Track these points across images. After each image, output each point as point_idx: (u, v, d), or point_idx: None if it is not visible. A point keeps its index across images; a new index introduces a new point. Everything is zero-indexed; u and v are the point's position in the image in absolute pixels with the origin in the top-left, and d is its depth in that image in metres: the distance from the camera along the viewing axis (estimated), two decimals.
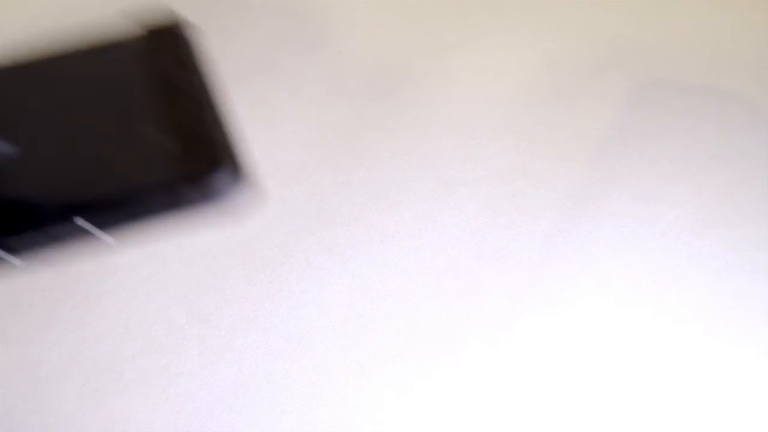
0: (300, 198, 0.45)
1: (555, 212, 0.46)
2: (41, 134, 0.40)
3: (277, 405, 0.38)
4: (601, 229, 0.46)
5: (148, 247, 0.41)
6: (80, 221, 0.38)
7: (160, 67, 0.41)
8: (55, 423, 0.37)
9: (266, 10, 0.53)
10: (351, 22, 0.53)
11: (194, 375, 0.38)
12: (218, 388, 0.38)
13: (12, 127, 0.40)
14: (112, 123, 0.40)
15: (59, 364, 0.39)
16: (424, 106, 0.50)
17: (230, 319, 0.40)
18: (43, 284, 0.40)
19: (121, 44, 0.41)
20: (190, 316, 0.40)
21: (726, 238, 0.46)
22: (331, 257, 0.42)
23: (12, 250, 0.39)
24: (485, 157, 0.47)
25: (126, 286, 0.41)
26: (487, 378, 0.41)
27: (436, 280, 0.43)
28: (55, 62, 0.41)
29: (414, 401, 0.39)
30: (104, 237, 0.40)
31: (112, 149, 0.39)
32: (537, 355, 0.42)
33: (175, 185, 0.39)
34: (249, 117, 0.49)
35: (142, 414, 0.38)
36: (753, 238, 0.45)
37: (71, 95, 0.40)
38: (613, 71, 0.51)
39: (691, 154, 0.48)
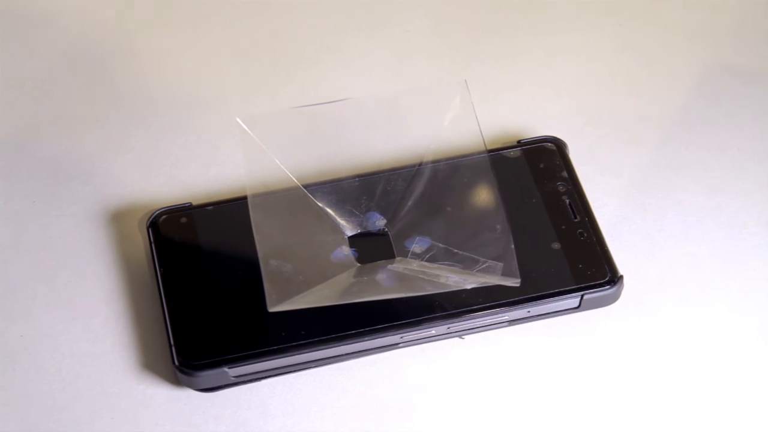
0: None
1: (620, 199, 0.46)
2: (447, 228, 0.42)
3: None
4: (666, 218, 0.45)
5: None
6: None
7: (541, 178, 0.44)
8: None
9: None
10: (417, 1, 0.53)
11: None
12: None
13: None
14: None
15: None
16: (491, 87, 0.50)
17: None
18: None
19: (501, 156, 0.45)
20: None
21: None
22: None
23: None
24: None
25: None
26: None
27: None
28: (444, 167, 0.44)
29: None
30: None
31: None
32: (599, 344, 0.42)
33: (570, 293, 0.41)
34: (315, 95, 0.49)
35: None
36: None
37: (461, 196, 0.43)
38: (682, 56, 0.51)
39: (759, 143, 0.48)
